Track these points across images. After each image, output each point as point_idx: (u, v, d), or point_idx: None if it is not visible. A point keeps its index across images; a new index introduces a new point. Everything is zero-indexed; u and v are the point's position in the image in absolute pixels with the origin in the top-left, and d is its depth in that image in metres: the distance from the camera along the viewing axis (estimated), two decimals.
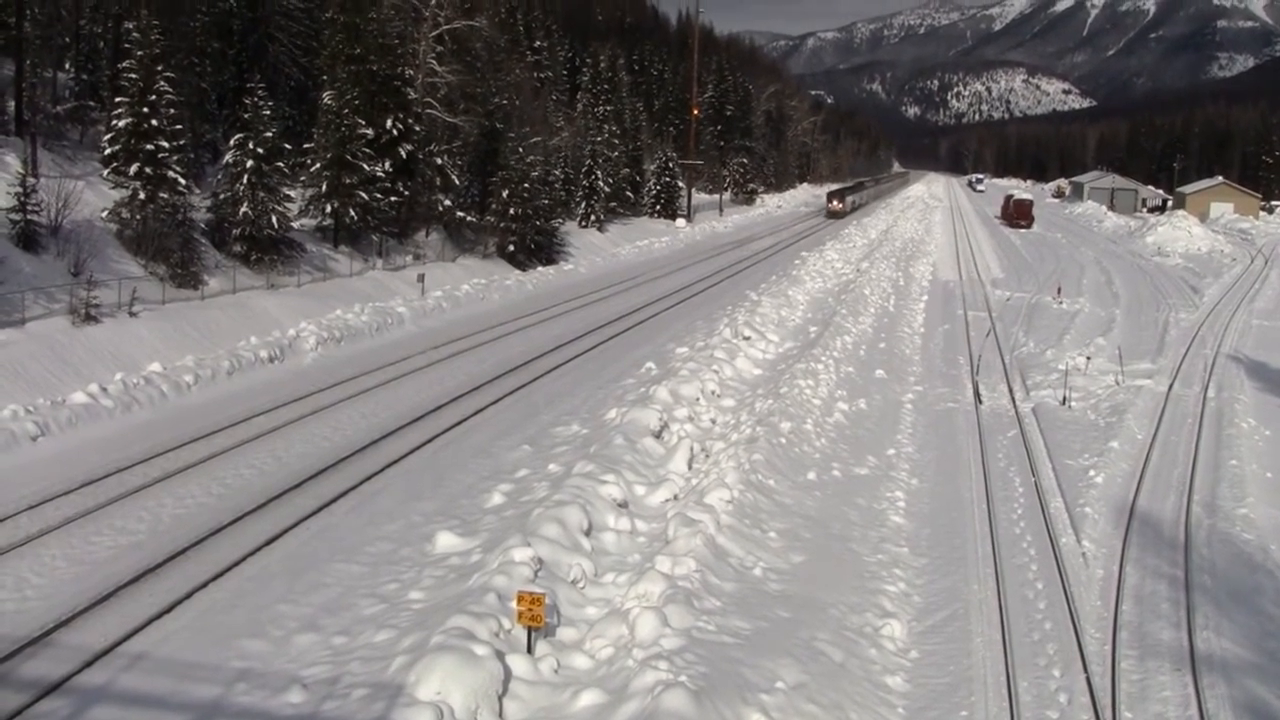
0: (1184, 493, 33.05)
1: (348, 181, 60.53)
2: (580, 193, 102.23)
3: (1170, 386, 47.77)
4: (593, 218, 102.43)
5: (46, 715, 17.53)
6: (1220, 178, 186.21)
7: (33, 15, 52.54)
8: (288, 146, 56.77)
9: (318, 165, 60.62)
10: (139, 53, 47.61)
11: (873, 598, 24.09)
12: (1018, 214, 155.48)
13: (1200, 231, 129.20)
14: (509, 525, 25.41)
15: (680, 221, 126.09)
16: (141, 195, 47.38)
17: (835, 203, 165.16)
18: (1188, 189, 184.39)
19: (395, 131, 66.65)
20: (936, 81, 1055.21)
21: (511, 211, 76.15)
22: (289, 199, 55.78)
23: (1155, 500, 32.31)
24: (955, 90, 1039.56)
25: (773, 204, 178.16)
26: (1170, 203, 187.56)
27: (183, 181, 48.85)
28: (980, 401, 44.12)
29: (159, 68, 47.99)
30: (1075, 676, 20.81)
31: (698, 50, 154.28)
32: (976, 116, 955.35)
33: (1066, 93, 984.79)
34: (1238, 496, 33.01)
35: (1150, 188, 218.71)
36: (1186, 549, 28.37)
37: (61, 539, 24.62)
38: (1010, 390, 46.10)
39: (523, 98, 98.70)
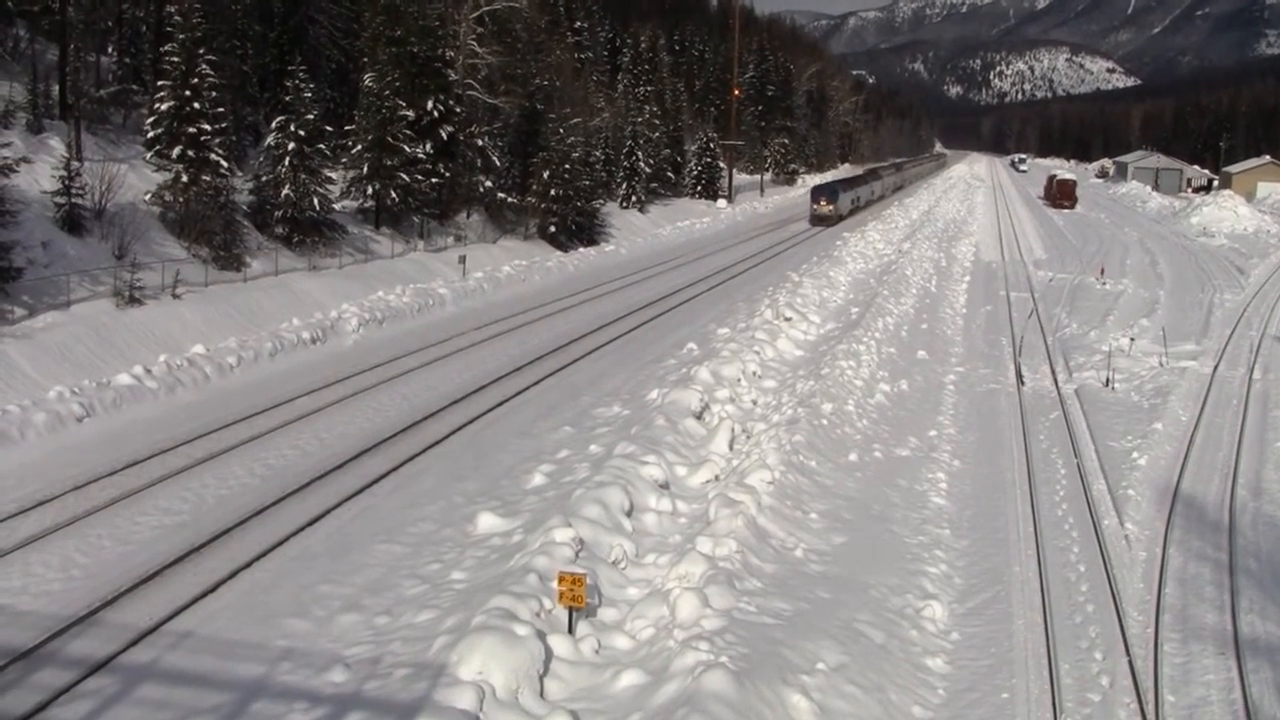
0: (1229, 475, 32.78)
1: (389, 163, 60.70)
2: (621, 173, 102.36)
3: (1215, 368, 47.35)
4: (634, 198, 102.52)
5: (94, 692, 17.73)
6: (1268, 157, 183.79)
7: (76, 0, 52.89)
8: (329, 129, 57.03)
9: (359, 147, 60.81)
10: (181, 36, 47.86)
11: (914, 579, 24.02)
12: (1061, 194, 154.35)
13: (1246, 211, 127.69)
14: (550, 506, 25.47)
15: (721, 202, 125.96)
16: (184, 178, 47.67)
17: (823, 203, 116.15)
18: (1234, 168, 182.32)
19: (436, 113, 66.84)
20: (979, 61, 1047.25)
21: (552, 193, 76.23)
22: (330, 181, 56.07)
23: (1199, 483, 32.06)
24: (998, 69, 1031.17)
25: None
26: (1216, 183, 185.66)
27: (225, 164, 49.13)
28: (1022, 383, 43.88)
29: (201, 51, 48.26)
30: (1117, 659, 20.69)
31: (739, 30, 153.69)
32: (1019, 96, 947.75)
33: (1111, 71, 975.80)
34: None
35: (1195, 167, 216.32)
36: (1231, 532, 28.15)
37: (107, 519, 24.87)
38: (1053, 371, 45.82)
39: (563, 79, 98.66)
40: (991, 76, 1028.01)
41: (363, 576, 22.51)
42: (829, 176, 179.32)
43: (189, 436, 31.18)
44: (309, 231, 54.15)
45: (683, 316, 55.38)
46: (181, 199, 47.86)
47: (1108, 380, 43.59)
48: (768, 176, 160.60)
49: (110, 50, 59.43)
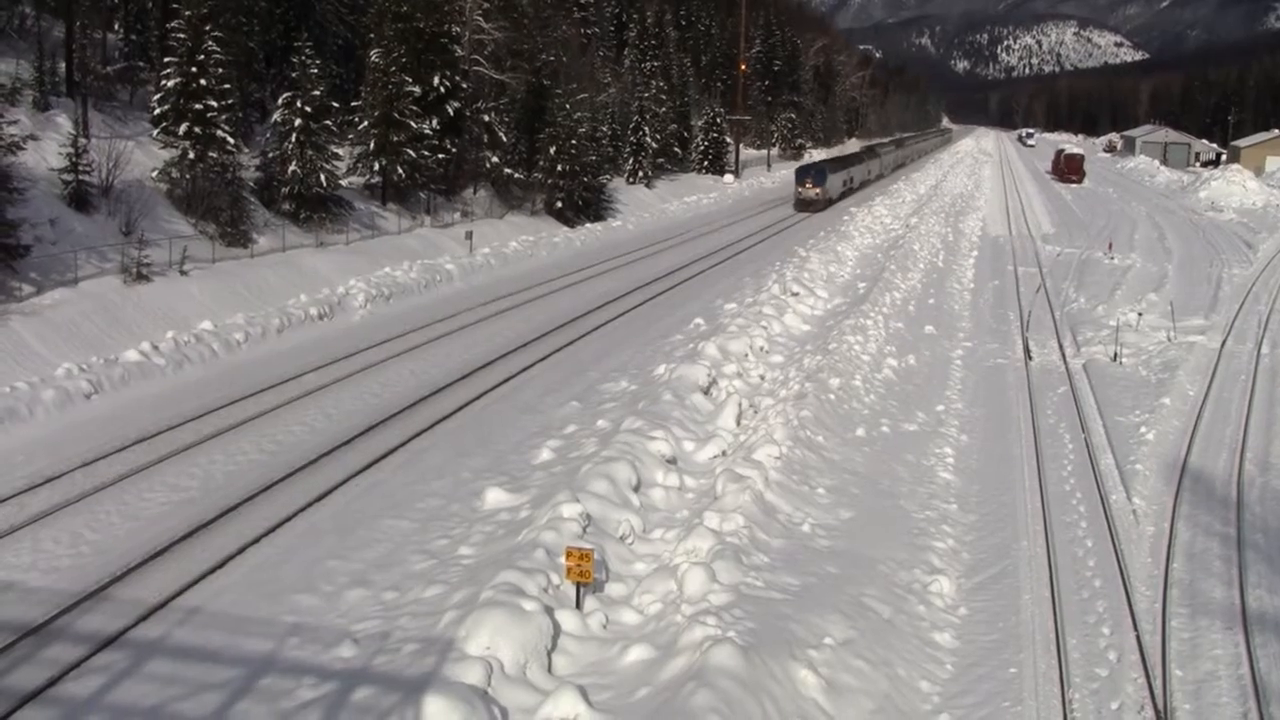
0: (1237, 450, 32.72)
1: (395, 139, 60.57)
2: (628, 149, 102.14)
3: (1223, 343, 47.26)
4: (640, 174, 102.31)
5: (104, 668, 17.79)
6: (1277, 131, 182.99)
7: None
8: (335, 105, 56.84)
9: (365, 123, 60.71)
10: (187, 13, 47.74)
11: (921, 554, 24.02)
12: (1068, 169, 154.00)
13: (1255, 186, 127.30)
14: (558, 481, 25.50)
15: (728, 177, 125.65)
16: (191, 155, 47.64)
17: (808, 186, 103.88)
18: (1242, 143, 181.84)
19: (442, 89, 66.59)
20: (986, 35, 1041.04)
21: (559, 168, 76.07)
22: (337, 157, 55.95)
23: (1207, 457, 32.01)
24: (1005, 44, 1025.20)
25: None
26: (1224, 157, 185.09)
27: (231, 141, 49.06)
28: (1030, 357, 43.82)
29: (207, 27, 48.15)
30: (1125, 634, 20.69)
31: (746, 5, 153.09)
32: (1027, 70, 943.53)
33: (1119, 45, 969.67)
34: None
35: (1204, 142, 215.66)
36: (1239, 506, 28.11)
37: (115, 495, 24.93)
38: (1060, 346, 45.75)
39: (570, 54, 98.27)
40: (999, 51, 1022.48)
41: (371, 552, 22.56)
42: (836, 151, 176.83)
43: (197, 413, 31.22)
44: (316, 208, 54.10)
45: (690, 292, 55.33)
46: (188, 176, 47.85)
47: (1115, 355, 43.53)
48: (774, 152, 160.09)
49: (117, 27, 59.31)
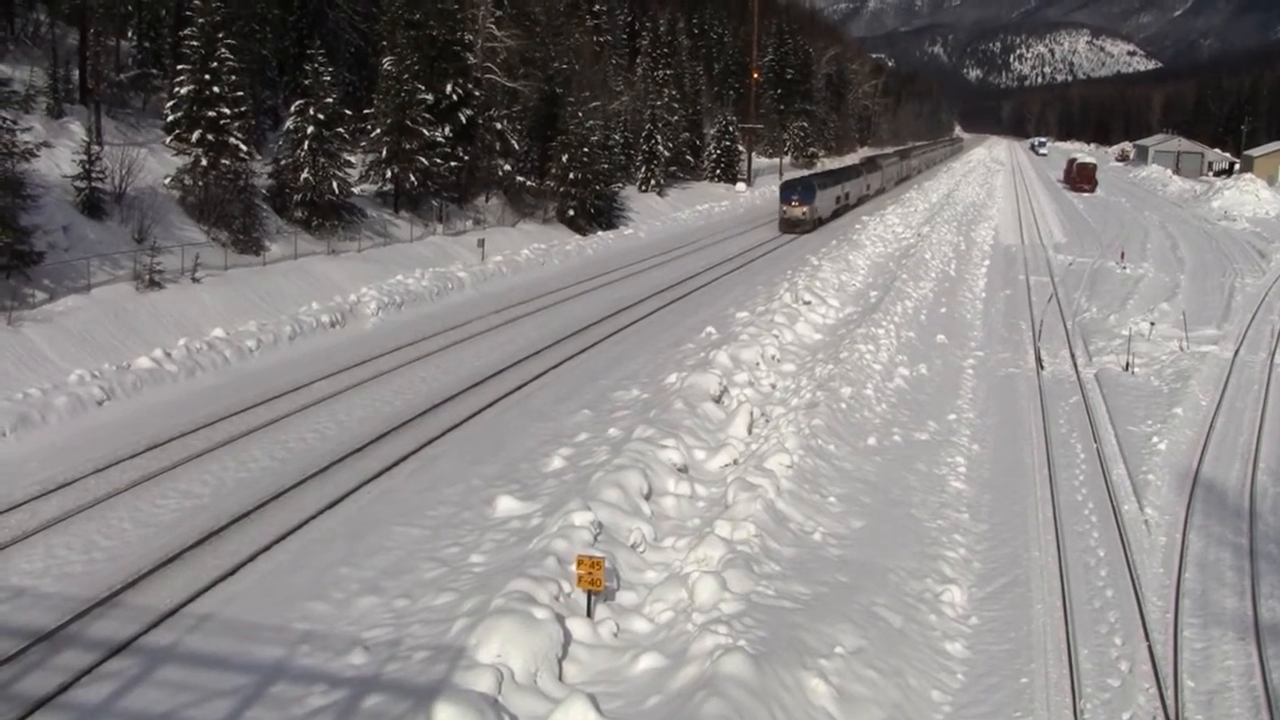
0: (1249, 460, 32.60)
1: (408, 147, 60.68)
2: (640, 157, 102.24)
3: (1236, 352, 47.11)
4: (652, 182, 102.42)
5: (115, 674, 17.81)
6: None
7: None
8: (348, 112, 57.00)
9: (378, 131, 60.82)
10: (200, 20, 47.96)
11: (933, 563, 23.99)
12: (1080, 178, 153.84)
13: (1268, 195, 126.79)
14: (569, 489, 25.50)
15: (740, 185, 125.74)
16: (204, 162, 47.80)
17: (794, 204, 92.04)
18: (1256, 152, 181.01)
19: (455, 97, 66.76)
20: (999, 44, 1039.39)
21: (571, 176, 76.21)
22: (349, 165, 56.10)
23: (1220, 467, 31.91)
24: (1018, 52, 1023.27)
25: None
26: (1237, 166, 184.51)
27: (244, 148, 49.21)
28: (1042, 367, 43.75)
29: (220, 35, 48.35)
30: (1137, 645, 20.63)
31: (758, 13, 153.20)
32: (1039, 79, 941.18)
33: (1131, 54, 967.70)
34: None
35: (1217, 151, 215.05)
36: (1251, 517, 28.01)
37: (128, 502, 24.99)
38: (1072, 355, 45.67)
39: (582, 62, 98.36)
40: (1011, 59, 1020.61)
41: (382, 559, 22.57)
42: (848, 160, 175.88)
43: (209, 420, 31.30)
44: (328, 215, 54.21)
45: (701, 300, 55.36)
46: (201, 183, 47.98)
47: (1128, 364, 43.44)
48: (787, 160, 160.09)
49: (130, 34, 59.46)
